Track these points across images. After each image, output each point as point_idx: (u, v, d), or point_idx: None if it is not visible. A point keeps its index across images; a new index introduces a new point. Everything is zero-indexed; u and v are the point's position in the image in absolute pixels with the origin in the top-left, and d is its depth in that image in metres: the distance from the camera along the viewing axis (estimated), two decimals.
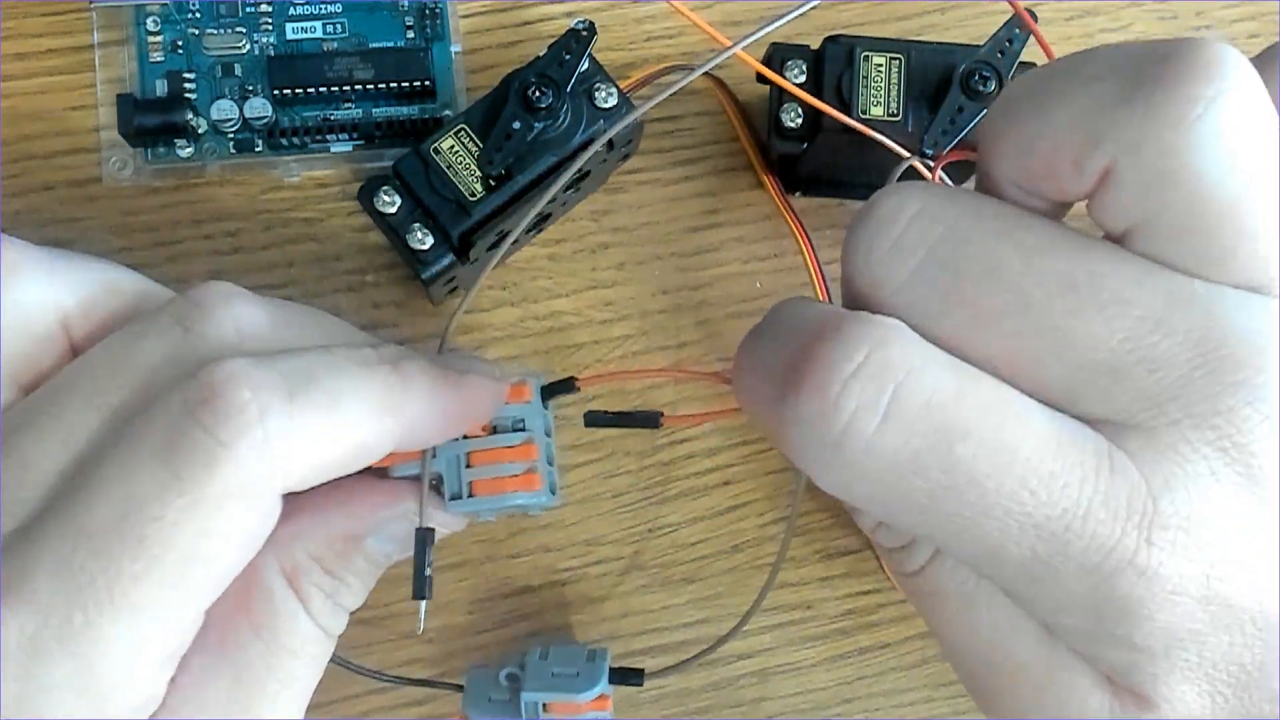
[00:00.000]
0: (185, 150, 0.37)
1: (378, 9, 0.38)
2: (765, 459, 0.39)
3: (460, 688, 0.36)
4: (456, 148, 0.34)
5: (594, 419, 0.32)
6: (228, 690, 0.26)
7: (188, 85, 0.38)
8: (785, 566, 0.39)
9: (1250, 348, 0.21)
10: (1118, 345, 0.21)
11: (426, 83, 0.37)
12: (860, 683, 0.40)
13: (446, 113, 0.38)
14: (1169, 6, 0.42)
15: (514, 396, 0.30)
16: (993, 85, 0.34)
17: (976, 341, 0.22)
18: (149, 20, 0.38)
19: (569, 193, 0.37)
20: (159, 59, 0.38)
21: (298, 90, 0.37)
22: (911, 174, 0.32)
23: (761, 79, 0.37)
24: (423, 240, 0.34)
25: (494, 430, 0.30)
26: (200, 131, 0.37)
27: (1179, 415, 0.21)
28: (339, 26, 0.38)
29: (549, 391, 0.31)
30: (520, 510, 0.31)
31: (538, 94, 0.34)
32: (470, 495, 0.30)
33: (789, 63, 0.36)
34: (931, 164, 0.33)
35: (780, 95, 0.36)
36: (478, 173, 0.34)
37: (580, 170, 0.32)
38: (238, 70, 0.38)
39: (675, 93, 0.30)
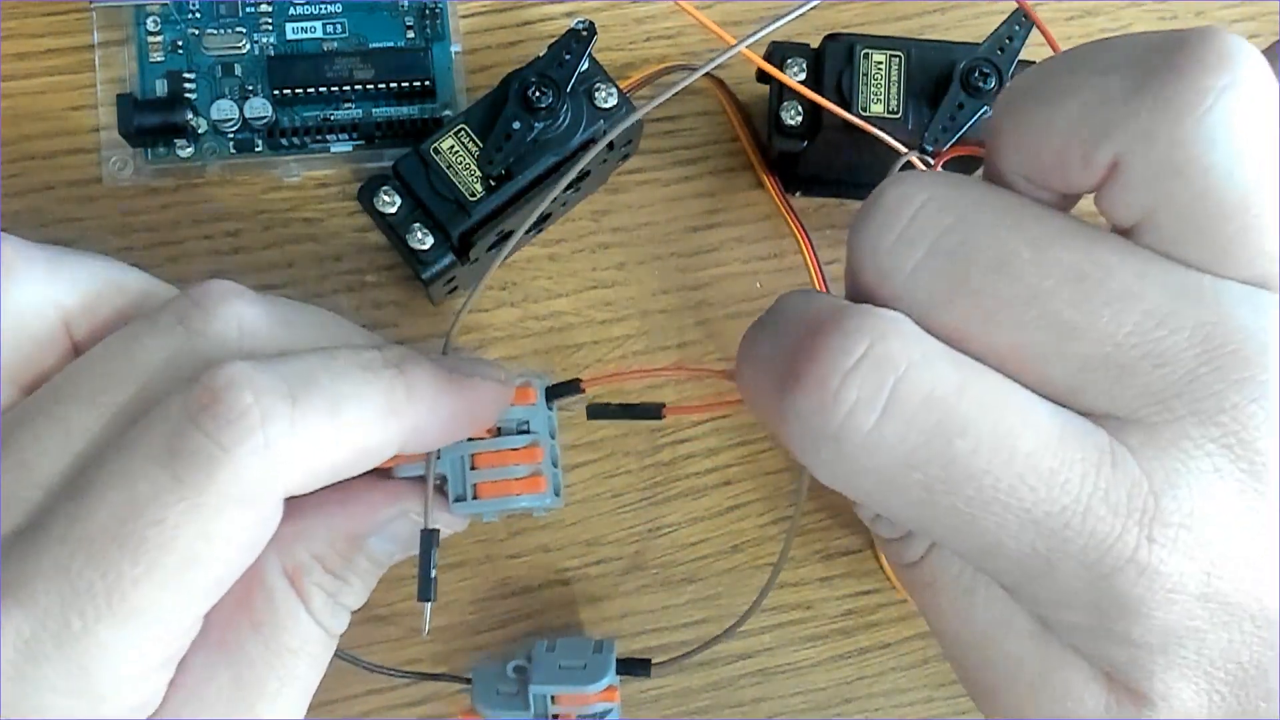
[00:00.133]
0: (185, 150, 0.37)
1: (378, 9, 0.38)
2: (765, 459, 0.39)
3: (468, 681, 0.36)
4: (456, 148, 0.34)
5: (596, 411, 0.31)
6: (228, 689, 0.26)
7: (188, 85, 0.38)
8: (785, 566, 0.39)
9: (1257, 344, 0.21)
10: (1124, 339, 0.21)
11: (426, 83, 0.37)
12: (860, 683, 0.40)
13: (446, 113, 0.38)
14: (1169, 7, 0.42)
15: (519, 398, 0.30)
16: (993, 82, 0.34)
17: (981, 333, 0.22)
18: (149, 20, 0.38)
19: (569, 193, 0.37)
20: (159, 59, 0.38)
21: (298, 90, 0.37)
22: (911, 170, 0.32)
23: (761, 79, 0.37)
24: (423, 240, 0.34)
25: (498, 432, 0.30)
26: (200, 131, 0.37)
27: (1183, 411, 0.21)
28: (339, 26, 0.38)
29: (553, 393, 0.31)
30: (524, 512, 0.31)
31: (538, 94, 0.34)
32: (475, 498, 0.30)
33: (789, 61, 0.36)
34: (931, 161, 0.33)
35: (780, 93, 0.36)
36: (478, 173, 0.34)
37: (580, 170, 0.32)
38: (238, 70, 0.38)
39: (675, 93, 0.30)
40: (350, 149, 0.38)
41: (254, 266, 0.38)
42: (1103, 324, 0.21)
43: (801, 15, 0.30)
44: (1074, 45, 0.24)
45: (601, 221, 0.39)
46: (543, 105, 0.34)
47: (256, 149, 0.38)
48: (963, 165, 0.36)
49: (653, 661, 0.36)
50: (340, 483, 0.27)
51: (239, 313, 0.27)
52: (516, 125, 0.34)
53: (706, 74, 0.38)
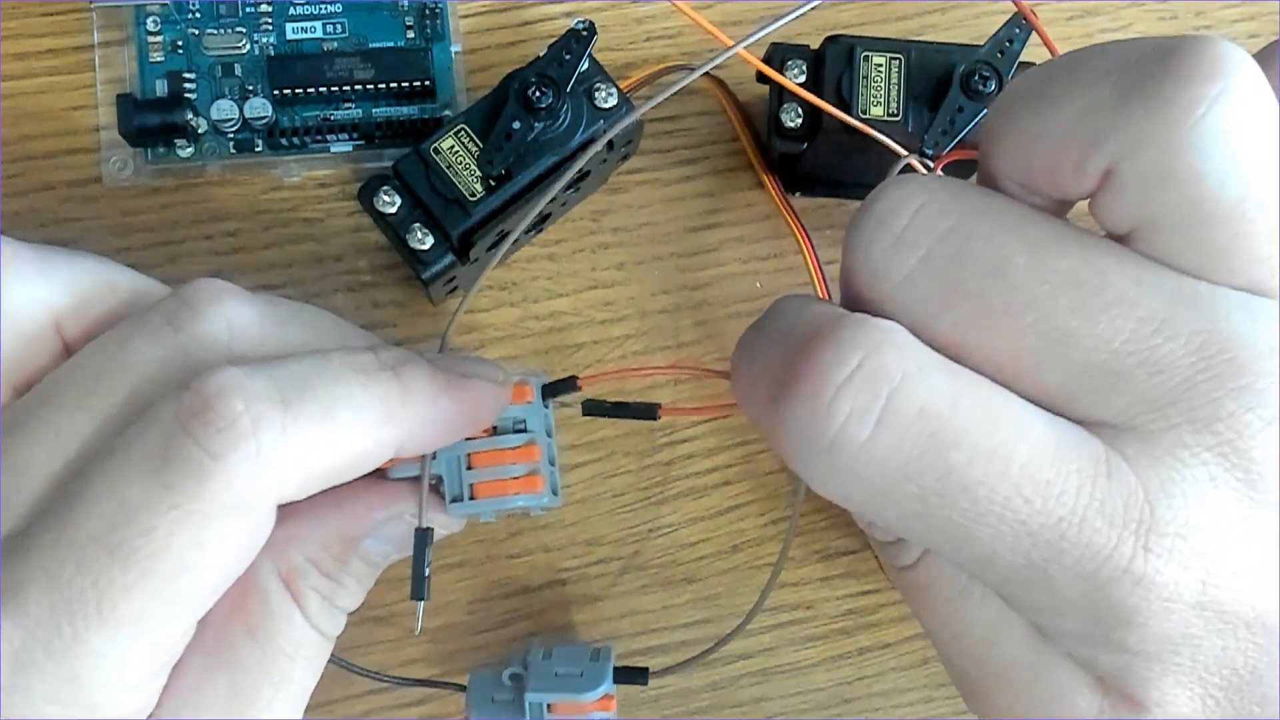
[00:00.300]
0: (185, 150, 0.37)
1: (378, 9, 0.38)
2: (765, 459, 0.39)
3: (462, 688, 0.36)
4: (456, 148, 0.34)
5: (592, 408, 0.31)
6: (224, 694, 0.26)
7: (188, 85, 0.38)
8: (785, 566, 0.39)
9: (1253, 352, 0.21)
10: (1120, 346, 0.21)
11: (426, 83, 0.37)
12: (860, 683, 0.40)
13: (446, 113, 0.38)
14: (1169, 6, 0.42)
15: (515, 397, 0.30)
16: (993, 85, 0.34)
17: (976, 340, 0.22)
18: (149, 20, 0.38)
19: (569, 193, 0.37)
20: (159, 59, 0.38)
21: (298, 90, 0.37)
22: (909, 173, 0.32)
23: (761, 79, 0.37)
24: (423, 240, 0.34)
25: (495, 430, 0.30)
26: (200, 131, 0.37)
27: (1179, 420, 0.21)
28: (339, 26, 0.38)
29: (550, 391, 0.31)
30: (521, 511, 0.31)
31: (538, 94, 0.34)
32: (472, 498, 0.30)
33: (789, 63, 0.36)
34: (930, 164, 0.33)
35: (780, 95, 0.36)
36: (478, 173, 0.34)
37: (580, 170, 0.32)
38: (238, 70, 0.38)
39: (675, 93, 0.30)
40: (350, 149, 0.38)
41: (254, 266, 0.38)
42: (1099, 330, 0.21)
43: (801, 15, 0.30)
44: (1073, 47, 0.23)
45: (601, 221, 0.39)
46: (543, 105, 0.34)
47: (256, 149, 0.38)
48: (962, 168, 0.36)
49: (650, 670, 0.36)
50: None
51: (229, 312, 0.27)
52: (516, 125, 0.34)
53: (706, 74, 0.38)
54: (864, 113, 0.35)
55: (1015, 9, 0.34)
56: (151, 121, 0.37)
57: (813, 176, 0.39)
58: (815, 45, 0.37)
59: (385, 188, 0.34)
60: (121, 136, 0.37)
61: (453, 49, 0.39)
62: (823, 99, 0.35)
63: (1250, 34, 0.42)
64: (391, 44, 0.38)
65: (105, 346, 0.26)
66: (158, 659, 0.25)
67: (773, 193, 0.39)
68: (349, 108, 0.38)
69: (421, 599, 0.29)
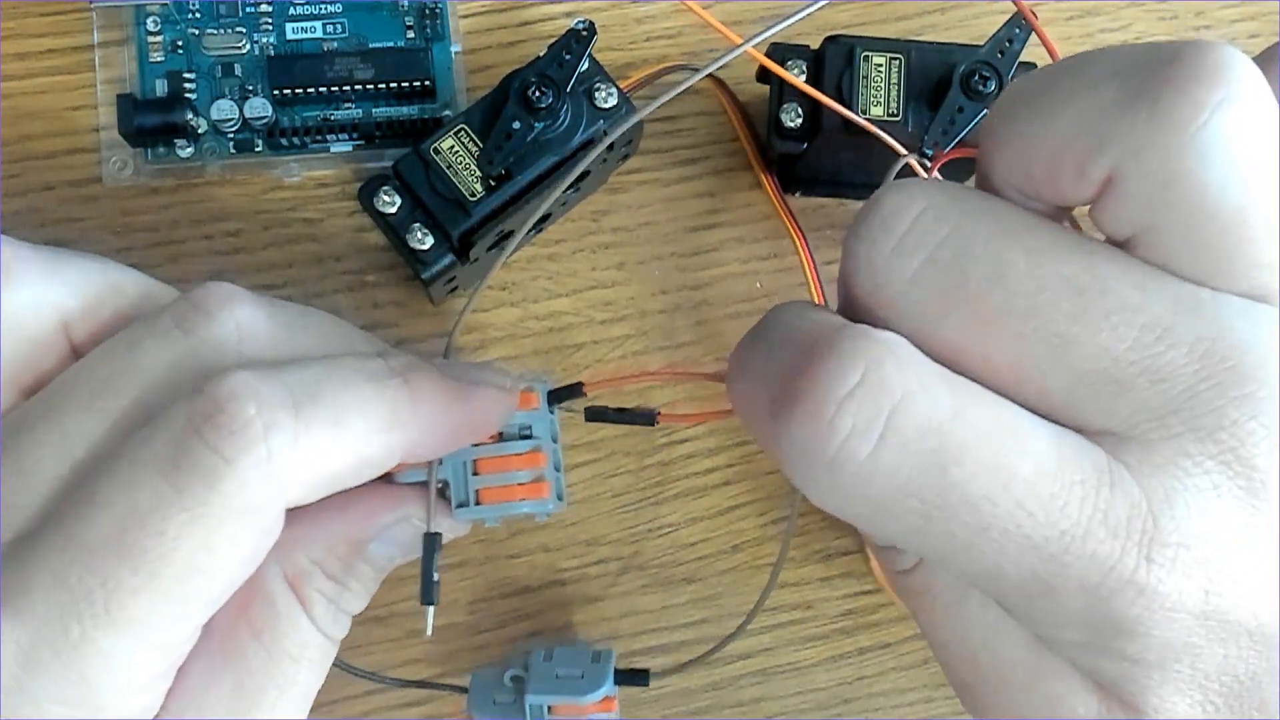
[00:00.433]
0: (185, 150, 0.37)
1: (378, 9, 0.38)
2: (764, 459, 0.39)
3: (463, 689, 0.36)
4: (456, 148, 0.34)
5: (594, 414, 0.31)
6: (228, 696, 0.26)
7: (188, 85, 0.38)
8: (785, 566, 0.39)
9: (1255, 360, 0.21)
10: (1122, 354, 0.21)
11: (426, 83, 0.37)
12: (860, 683, 0.40)
13: (446, 113, 0.38)
14: (1169, 6, 0.42)
15: (521, 403, 0.30)
16: (993, 85, 0.34)
17: (977, 347, 0.22)
18: (149, 20, 0.38)
19: (569, 193, 0.37)
20: (159, 59, 0.38)
21: (298, 90, 0.37)
22: (908, 173, 0.32)
23: (762, 79, 0.37)
24: (423, 240, 0.34)
25: (501, 436, 0.30)
26: (200, 131, 0.37)
27: (1181, 428, 0.21)
28: (339, 26, 0.38)
29: (556, 397, 0.31)
30: (526, 517, 0.31)
31: (538, 94, 0.34)
32: (477, 503, 0.30)
33: (789, 62, 0.36)
34: (929, 164, 0.33)
35: (780, 94, 0.36)
36: (478, 173, 0.34)
37: (580, 170, 0.32)
38: (238, 70, 0.38)
39: (678, 94, 0.30)
40: (350, 149, 0.38)
41: (254, 266, 0.38)
42: (1101, 338, 0.21)
43: (805, 17, 0.30)
44: (1073, 47, 0.23)
45: (601, 221, 0.39)
46: (543, 105, 0.34)
47: (256, 149, 0.38)
48: (962, 168, 0.36)
49: (651, 671, 0.36)
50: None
51: (238, 316, 0.27)
52: (516, 125, 0.34)
53: (707, 74, 0.37)
54: (864, 112, 0.35)
55: (1015, 9, 0.34)
56: (151, 121, 0.37)
57: (812, 176, 0.39)
58: (815, 45, 0.37)
59: (385, 188, 0.34)
60: (121, 136, 0.37)
61: (453, 49, 0.39)
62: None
63: (1250, 34, 0.42)
64: (391, 44, 0.38)
65: (114, 349, 0.26)
66: (164, 660, 0.25)
67: (770, 194, 0.39)
68: (349, 108, 0.38)
69: (431, 603, 0.29)
